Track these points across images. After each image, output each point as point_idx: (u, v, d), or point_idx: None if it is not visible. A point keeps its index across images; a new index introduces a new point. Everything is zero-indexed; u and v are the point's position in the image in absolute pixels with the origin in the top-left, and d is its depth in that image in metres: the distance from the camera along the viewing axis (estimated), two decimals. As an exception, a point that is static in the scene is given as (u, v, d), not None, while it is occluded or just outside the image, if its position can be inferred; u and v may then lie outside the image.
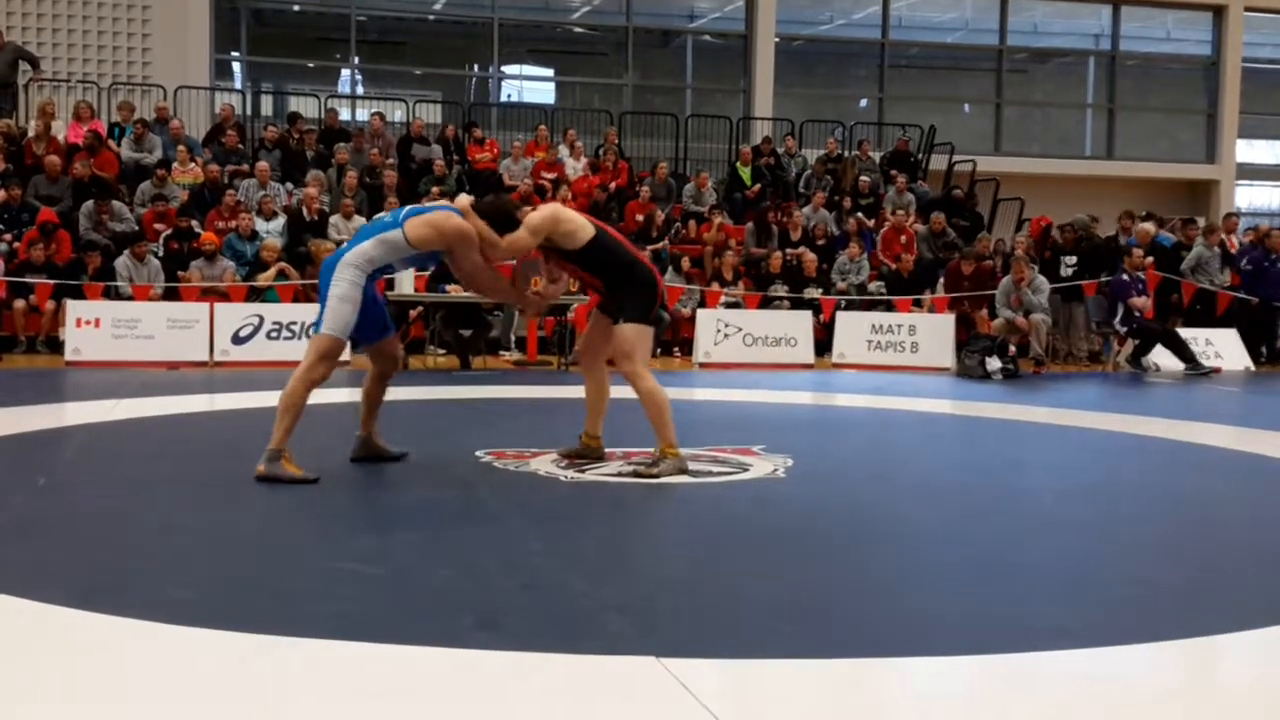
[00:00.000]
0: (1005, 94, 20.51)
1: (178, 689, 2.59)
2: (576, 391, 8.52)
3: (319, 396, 6.99)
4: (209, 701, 2.52)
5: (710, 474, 5.46)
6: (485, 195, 5.45)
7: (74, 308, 11.00)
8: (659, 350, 12.79)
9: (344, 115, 16.69)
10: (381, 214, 5.84)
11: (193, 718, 2.42)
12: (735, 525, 4.50)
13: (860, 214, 15.38)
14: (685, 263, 13.57)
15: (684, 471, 5.33)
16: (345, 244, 5.33)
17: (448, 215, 5.21)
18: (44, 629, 3.01)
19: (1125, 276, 12.63)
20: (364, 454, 5.57)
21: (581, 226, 5.42)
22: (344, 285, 5.05)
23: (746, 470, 5.56)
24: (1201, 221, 15.39)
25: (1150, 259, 13.25)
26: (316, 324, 5.14)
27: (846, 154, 16.95)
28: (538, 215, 5.40)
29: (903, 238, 14.31)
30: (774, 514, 4.70)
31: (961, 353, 11.79)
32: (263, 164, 13.79)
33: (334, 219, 13.14)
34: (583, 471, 5.41)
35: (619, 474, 5.38)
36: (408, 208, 5.41)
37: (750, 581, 3.65)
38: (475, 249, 5.25)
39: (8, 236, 12.13)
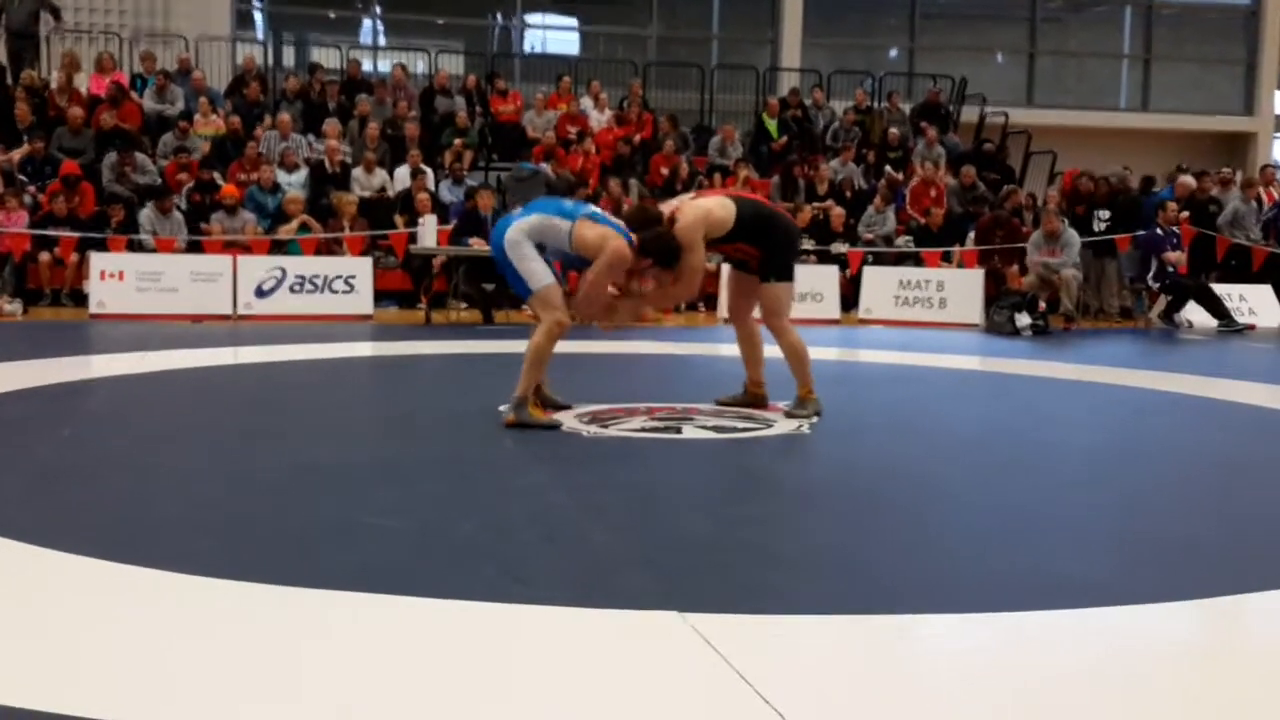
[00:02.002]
0: (1039, 44, 20.18)
1: (200, 640, 2.57)
2: (600, 346, 8.48)
3: (355, 351, 6.96)
4: (232, 652, 2.50)
5: (735, 429, 5.41)
6: (643, 226, 5.45)
7: (98, 260, 11.00)
8: (683, 305, 12.72)
9: (366, 66, 16.58)
10: (564, 199, 6.04)
11: (215, 668, 2.40)
12: (760, 481, 4.46)
13: (889, 167, 15.19)
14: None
15: (819, 414, 5.60)
16: (517, 211, 5.51)
17: (617, 236, 5.33)
18: (68, 578, 3.00)
19: (1159, 231, 12.44)
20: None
21: (724, 209, 5.50)
22: (521, 249, 5.30)
23: (771, 426, 5.50)
24: (1239, 175, 15.13)
25: (1185, 213, 13.05)
26: (525, 290, 5.38)
27: (876, 106, 16.73)
28: (690, 230, 5.42)
29: (932, 191, 14.14)
30: (799, 470, 4.66)
31: (990, 309, 11.67)
32: (284, 116, 13.72)
33: (356, 171, 13.08)
34: (606, 427, 5.37)
35: (642, 429, 5.33)
36: (591, 208, 5.56)
37: (774, 537, 3.61)
38: (620, 275, 5.44)
39: (32, 189, 12.14)
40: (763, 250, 5.63)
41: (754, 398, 5.90)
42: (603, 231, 5.32)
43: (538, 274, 5.32)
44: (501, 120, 15.19)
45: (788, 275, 5.71)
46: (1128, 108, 20.54)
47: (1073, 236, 11.99)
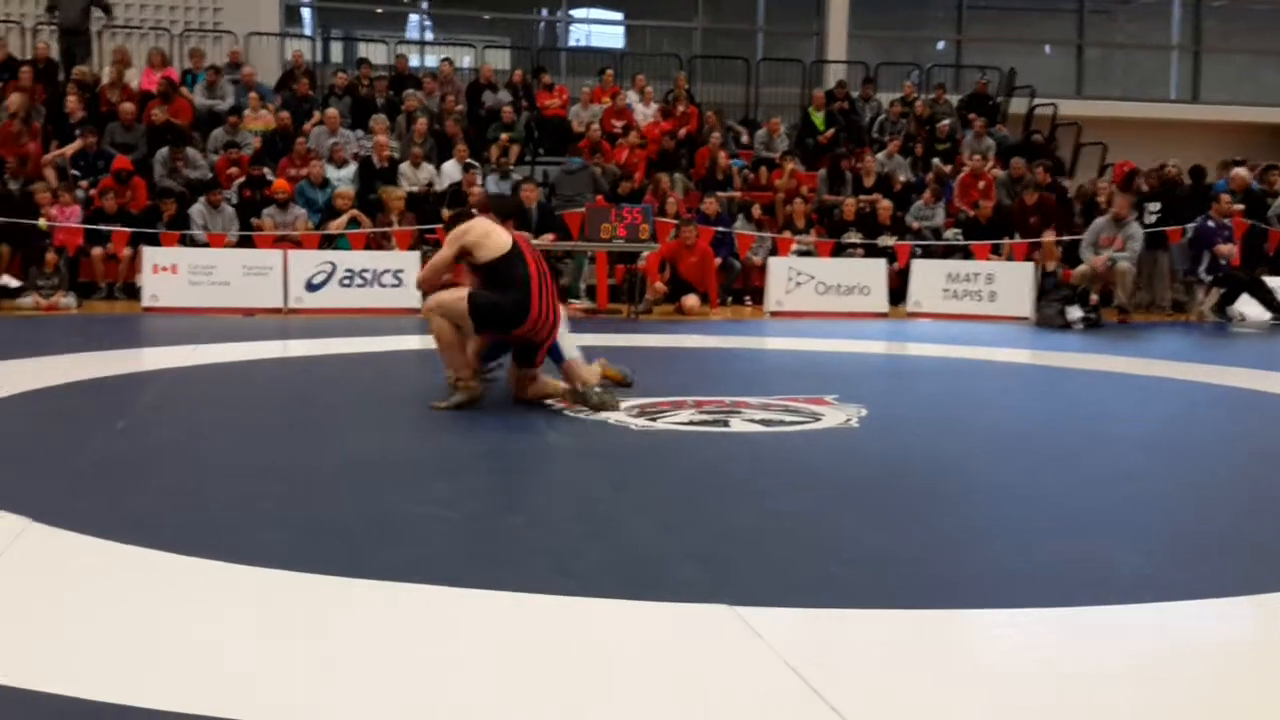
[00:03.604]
0: (1087, 35, 19.93)
1: (255, 631, 2.61)
2: (646, 339, 8.50)
3: (403, 344, 7.00)
4: (291, 642, 2.53)
5: (783, 423, 5.40)
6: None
7: (150, 254, 11.15)
8: (729, 299, 12.71)
9: (413, 62, 16.66)
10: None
11: (274, 659, 2.44)
12: (808, 474, 4.44)
13: (937, 159, 15.08)
14: (756, 210, 13.41)
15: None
16: None
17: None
18: (123, 570, 3.04)
19: (1211, 223, 12.27)
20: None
21: (495, 246, 5.54)
22: None
23: (819, 420, 5.49)
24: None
25: (1239, 206, 12.85)
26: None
27: (923, 98, 16.61)
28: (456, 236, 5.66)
29: (981, 183, 14.02)
30: (847, 464, 4.64)
31: (1040, 302, 11.55)
32: (332, 111, 13.83)
33: (403, 166, 13.16)
34: (654, 420, 5.38)
35: (690, 422, 5.34)
36: None
37: (823, 531, 3.60)
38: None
39: (84, 184, 12.31)
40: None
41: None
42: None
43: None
44: (547, 114, 15.22)
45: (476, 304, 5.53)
46: (1178, 99, 20.25)
47: (1137, 229, 11.83)
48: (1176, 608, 2.86)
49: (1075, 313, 10.99)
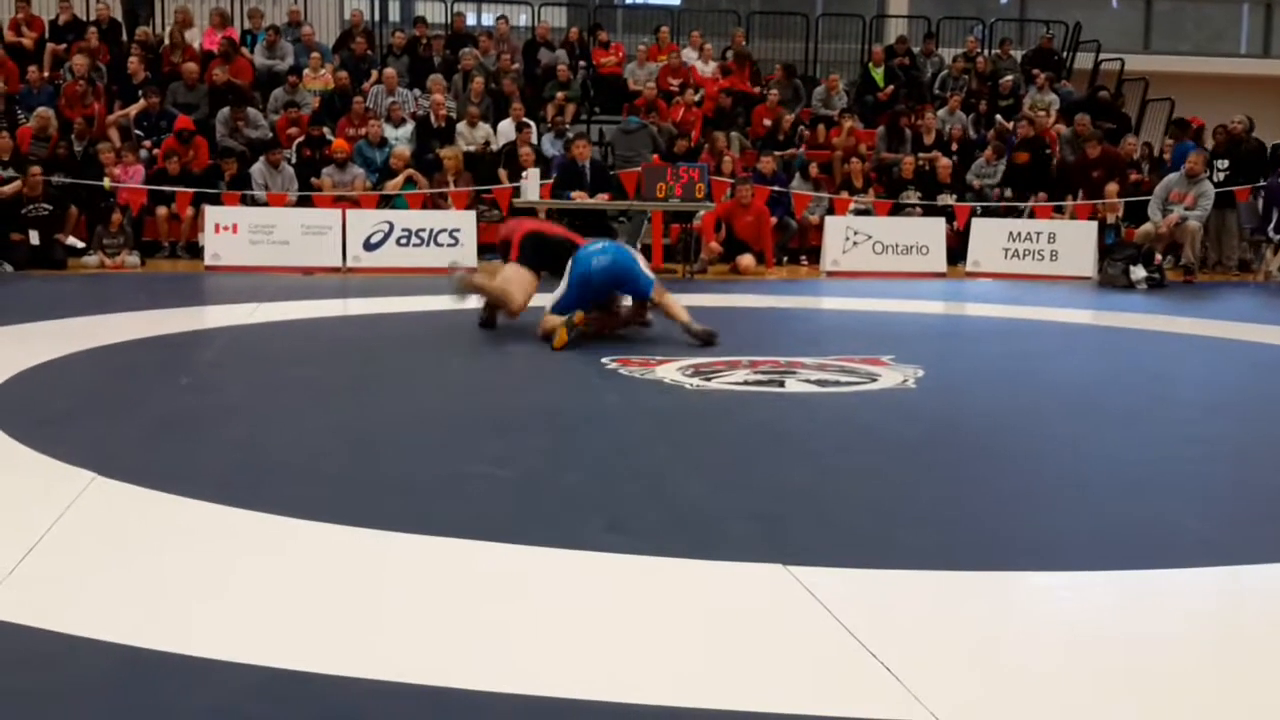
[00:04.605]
0: (1156, -12, 19.46)
1: (316, 583, 2.65)
2: (701, 299, 8.47)
3: (460, 303, 7.05)
4: (346, 595, 2.57)
5: (839, 383, 5.37)
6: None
7: (212, 214, 11.28)
8: (785, 259, 12.63)
9: (469, 20, 16.63)
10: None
11: (332, 611, 2.48)
12: (864, 435, 4.42)
13: (1000, 116, 14.82)
14: (813, 169, 13.28)
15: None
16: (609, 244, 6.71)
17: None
18: (184, 522, 3.11)
19: (1282, 181, 11.98)
20: None
21: None
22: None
23: (875, 380, 5.46)
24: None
25: (1309, 162, 12.54)
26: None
27: (986, 54, 16.31)
28: None
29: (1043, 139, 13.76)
30: (903, 424, 4.61)
31: (1104, 261, 11.37)
32: (390, 70, 13.85)
33: (460, 126, 13.17)
34: (708, 380, 5.38)
35: (745, 382, 5.33)
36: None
37: (879, 491, 3.59)
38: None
39: (148, 144, 12.46)
40: None
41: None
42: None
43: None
44: (603, 73, 15.14)
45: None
46: (1249, 53, 19.72)
47: (1208, 187, 11.57)
48: (1238, 571, 2.82)
49: (1139, 272, 10.80)
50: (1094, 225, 12.02)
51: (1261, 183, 12.39)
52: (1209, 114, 14.36)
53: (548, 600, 2.56)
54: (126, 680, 2.14)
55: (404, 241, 11.39)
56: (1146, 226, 11.43)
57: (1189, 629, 2.48)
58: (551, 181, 11.61)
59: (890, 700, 2.08)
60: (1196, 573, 2.81)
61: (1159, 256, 11.06)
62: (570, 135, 12.61)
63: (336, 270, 11.11)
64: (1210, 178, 12.54)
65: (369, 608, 2.51)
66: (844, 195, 12.94)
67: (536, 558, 2.82)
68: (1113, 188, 12.19)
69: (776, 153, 13.28)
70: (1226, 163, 12.82)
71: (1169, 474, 3.84)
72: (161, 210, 11.78)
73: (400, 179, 12.15)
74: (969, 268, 12.12)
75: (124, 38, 14.26)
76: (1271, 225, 12.01)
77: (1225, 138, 13.07)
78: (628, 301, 6.76)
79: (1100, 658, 2.30)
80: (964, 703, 2.08)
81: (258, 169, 11.97)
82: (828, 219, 12.28)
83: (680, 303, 6.58)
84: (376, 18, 16.53)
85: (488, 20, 17.05)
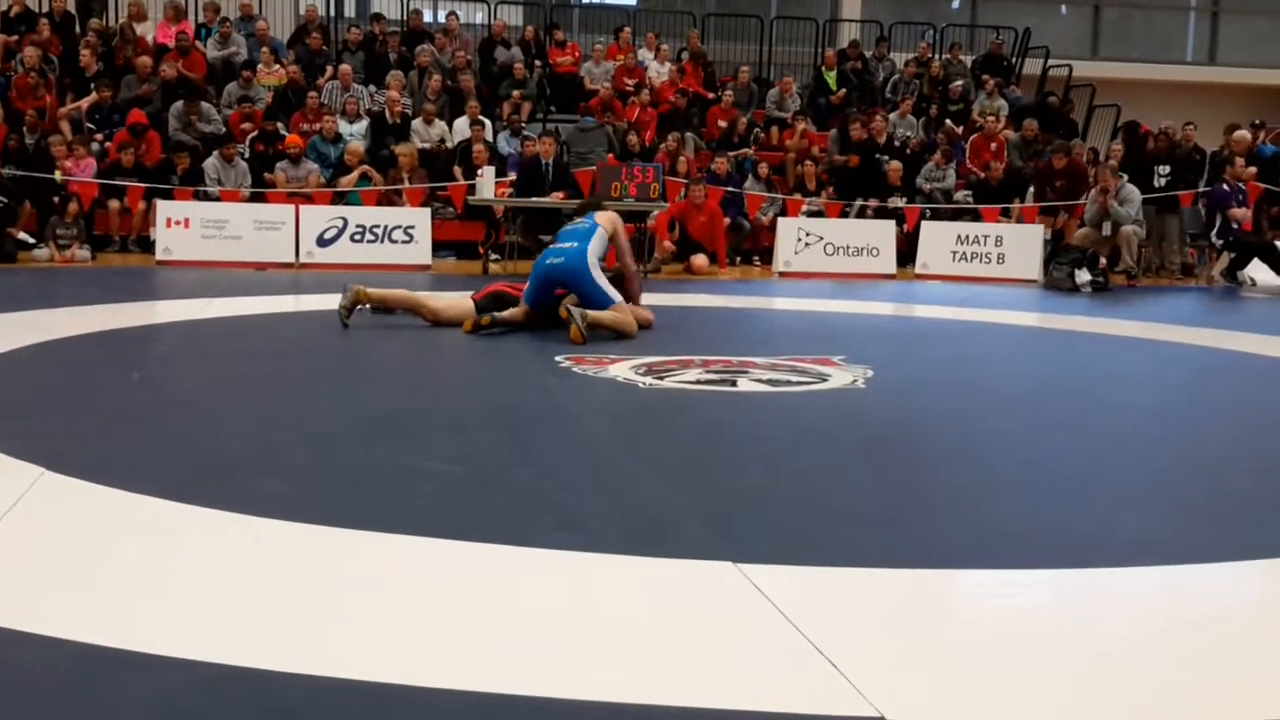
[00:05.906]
0: (1104, -5, 19.75)
1: (265, 580, 2.66)
2: (654, 299, 8.52)
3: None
4: (294, 591, 2.59)
5: (790, 383, 5.44)
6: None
7: (164, 208, 11.19)
8: (738, 259, 12.71)
9: (427, 17, 16.57)
10: (577, 222, 7.18)
11: (279, 608, 2.49)
12: (814, 435, 4.48)
13: (949, 120, 15.00)
14: (764, 169, 13.38)
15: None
16: (573, 248, 6.74)
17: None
18: (133, 518, 3.10)
19: (1225, 187, 12.22)
20: None
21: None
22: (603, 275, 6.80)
23: (826, 380, 5.53)
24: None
25: (1253, 169, 12.79)
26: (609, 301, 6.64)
27: (937, 58, 16.49)
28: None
29: (992, 145, 13.96)
30: (852, 424, 4.68)
31: (1050, 265, 11.54)
32: (345, 66, 13.80)
33: (415, 123, 13.14)
34: (661, 379, 5.42)
35: (697, 381, 5.38)
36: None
37: (827, 491, 3.64)
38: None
39: (99, 137, 12.33)
40: None
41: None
42: (608, 214, 7.28)
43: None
44: (559, 71, 15.16)
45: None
46: (1195, 60, 20.07)
47: (1133, 192, 11.79)
48: (1178, 570, 2.89)
49: (1084, 276, 10.99)
50: (1040, 229, 12.20)
51: (1203, 188, 12.63)
52: (1155, 120, 14.62)
53: (497, 597, 2.59)
54: (72, 676, 2.14)
55: (358, 238, 11.36)
56: (1083, 230, 11.62)
57: (1128, 626, 2.54)
58: (509, 180, 11.63)
59: (837, 696, 2.12)
60: (1135, 572, 2.88)
61: (1103, 261, 11.25)
62: (529, 135, 12.63)
63: (290, 266, 11.06)
64: (1153, 183, 12.78)
65: (319, 604, 2.53)
66: (797, 197, 13.04)
67: (487, 554, 2.85)
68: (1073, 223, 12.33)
69: (730, 153, 13.37)
70: (1167, 168, 13.05)
71: (1112, 475, 3.92)
72: (113, 204, 11.67)
73: (355, 175, 12.11)
74: (918, 270, 12.28)
75: (77, 30, 14.09)
76: (1215, 230, 12.25)
77: (1166, 143, 13.30)
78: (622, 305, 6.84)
79: (1041, 652, 2.36)
80: (909, 697, 2.13)
81: (211, 163, 11.89)
82: (780, 220, 12.39)
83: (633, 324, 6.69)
84: (332, 13, 16.44)
85: (445, 18, 16.99)
